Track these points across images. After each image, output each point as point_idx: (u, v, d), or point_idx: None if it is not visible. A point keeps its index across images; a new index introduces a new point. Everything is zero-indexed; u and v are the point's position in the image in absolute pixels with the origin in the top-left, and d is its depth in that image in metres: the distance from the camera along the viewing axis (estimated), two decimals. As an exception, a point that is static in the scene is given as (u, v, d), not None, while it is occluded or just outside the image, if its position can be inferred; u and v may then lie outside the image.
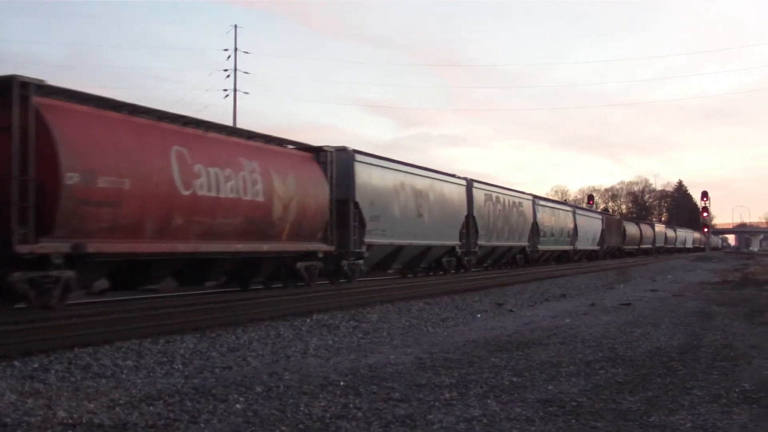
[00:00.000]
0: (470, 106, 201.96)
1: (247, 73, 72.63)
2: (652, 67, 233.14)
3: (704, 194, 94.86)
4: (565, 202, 58.83)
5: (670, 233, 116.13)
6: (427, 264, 33.69)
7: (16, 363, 10.17)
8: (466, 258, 36.36)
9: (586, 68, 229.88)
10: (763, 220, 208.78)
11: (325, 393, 8.34)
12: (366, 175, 26.87)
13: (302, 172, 22.56)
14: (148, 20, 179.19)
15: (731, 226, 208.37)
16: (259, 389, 8.50)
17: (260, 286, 22.82)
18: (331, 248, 24.08)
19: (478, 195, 38.01)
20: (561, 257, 56.52)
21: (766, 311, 17.71)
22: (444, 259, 34.44)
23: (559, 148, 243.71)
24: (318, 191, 23.17)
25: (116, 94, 18.35)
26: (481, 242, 37.74)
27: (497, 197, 41.01)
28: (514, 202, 43.71)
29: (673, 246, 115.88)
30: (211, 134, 19.26)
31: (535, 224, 47.53)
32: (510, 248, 43.68)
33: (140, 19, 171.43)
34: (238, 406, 7.69)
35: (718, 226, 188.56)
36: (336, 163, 24.78)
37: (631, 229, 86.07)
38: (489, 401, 7.98)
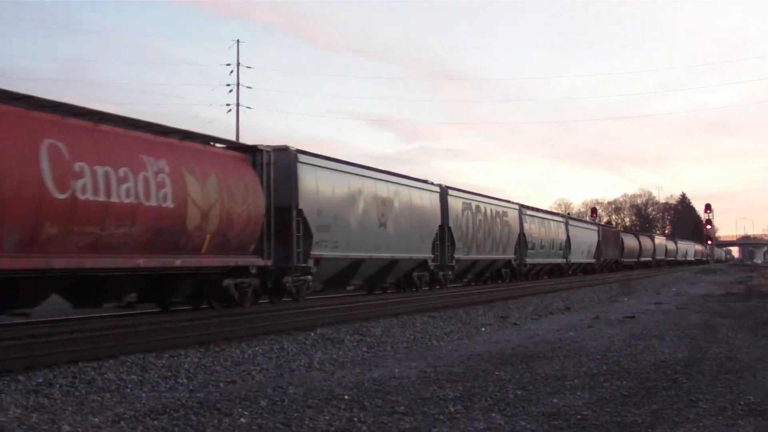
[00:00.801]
0: (471, 120, 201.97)
1: (249, 87, 72.68)
2: (652, 80, 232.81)
3: (707, 207, 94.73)
4: (557, 213, 56.36)
5: (671, 246, 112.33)
6: (395, 279, 30.57)
7: (20, 377, 10.17)
8: (441, 273, 33.27)
9: (585, 81, 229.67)
10: (767, 233, 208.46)
11: (330, 407, 8.34)
12: (312, 179, 23.45)
13: (229, 174, 19.17)
14: (149, 36, 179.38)
15: (735, 239, 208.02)
16: (263, 403, 8.50)
17: (186, 307, 20.16)
18: (268, 262, 20.79)
19: (455, 203, 34.81)
20: (553, 271, 53.70)
21: (771, 324, 17.68)
22: (415, 274, 31.09)
23: (561, 161, 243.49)
24: (249, 197, 19.75)
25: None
26: (458, 255, 34.51)
27: (477, 206, 37.72)
28: (497, 212, 40.51)
29: (674, 259, 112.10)
30: (104, 127, 15.99)
31: (522, 235, 44.36)
32: (493, 261, 40.32)
33: (141, 34, 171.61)
34: (242, 420, 7.68)
35: (721, 239, 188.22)
36: (276, 165, 21.52)
37: (630, 241, 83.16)
38: (494, 414, 7.97)
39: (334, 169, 25.23)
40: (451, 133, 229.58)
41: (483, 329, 17.86)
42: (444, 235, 33.29)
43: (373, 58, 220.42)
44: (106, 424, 7.44)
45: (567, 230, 55.50)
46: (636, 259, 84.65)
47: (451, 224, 33.89)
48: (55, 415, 7.90)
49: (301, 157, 23.11)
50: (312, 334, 15.85)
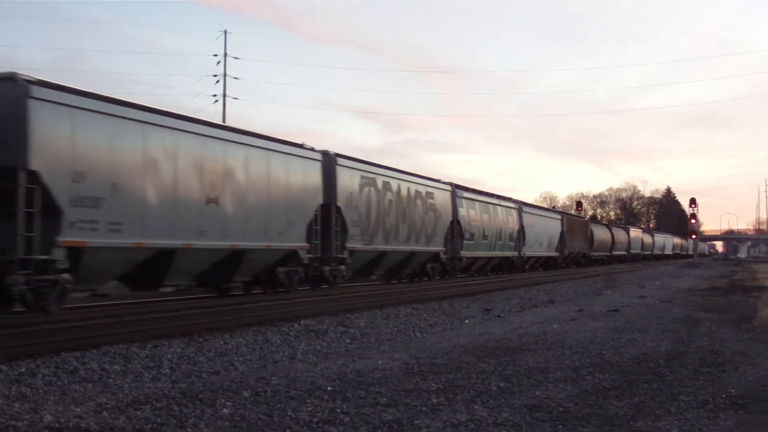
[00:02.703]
0: (458, 112, 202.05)
1: (236, 78, 72.39)
2: (638, 75, 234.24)
3: (692, 201, 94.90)
4: (507, 197, 48.34)
5: (647, 239, 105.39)
6: (249, 277, 23.09)
7: (2, 367, 10.12)
8: (326, 267, 25.88)
9: (573, 75, 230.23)
10: (751, 228, 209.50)
11: (313, 398, 8.34)
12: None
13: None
14: (136, 26, 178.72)
15: (719, 233, 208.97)
16: (246, 394, 8.49)
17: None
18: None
19: (348, 177, 27.39)
20: (502, 266, 46.64)
21: (754, 318, 17.78)
22: (280, 271, 23.59)
23: (547, 154, 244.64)
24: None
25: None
26: (352, 245, 27.16)
27: (387, 183, 30.25)
28: (418, 192, 33.10)
29: (650, 253, 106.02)
30: None
31: (456, 223, 37.15)
32: (412, 254, 32.62)
33: (128, 25, 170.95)
34: (225, 410, 7.67)
35: (706, 233, 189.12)
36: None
37: (601, 233, 76.37)
38: (476, 406, 7.98)
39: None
40: (438, 125, 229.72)
41: (467, 321, 17.88)
42: (330, 219, 25.99)
43: (360, 50, 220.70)
44: (88, 414, 7.42)
45: (520, 218, 48.52)
46: (608, 253, 78.61)
47: (341, 204, 26.68)
48: (38, 404, 7.88)
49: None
50: (296, 325, 15.83)
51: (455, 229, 37.09)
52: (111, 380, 9.58)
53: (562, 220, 60.46)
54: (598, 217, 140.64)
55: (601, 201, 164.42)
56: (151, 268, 18.70)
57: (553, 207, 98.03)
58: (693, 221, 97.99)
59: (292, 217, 23.72)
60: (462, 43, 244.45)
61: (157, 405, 7.88)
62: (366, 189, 28.44)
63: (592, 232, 71.44)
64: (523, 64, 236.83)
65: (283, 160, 23.60)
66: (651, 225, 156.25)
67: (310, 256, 24.59)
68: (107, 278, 18.48)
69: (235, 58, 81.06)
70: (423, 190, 33.72)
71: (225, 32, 72.03)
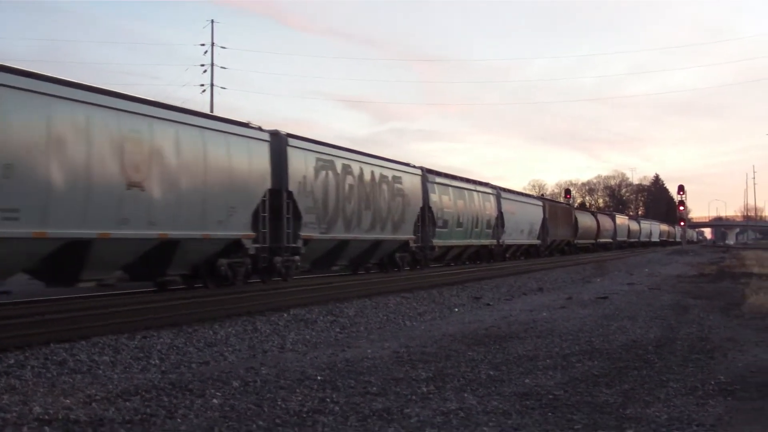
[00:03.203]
0: (445, 100, 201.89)
1: (224, 68, 72.25)
2: (626, 63, 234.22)
3: (680, 188, 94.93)
4: (484, 183, 45.54)
5: (634, 226, 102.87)
6: (187, 270, 20.53)
7: (-9, 359, 10.10)
8: (278, 258, 23.34)
9: (559, 63, 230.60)
10: (739, 214, 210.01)
11: (302, 387, 8.34)
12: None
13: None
14: (122, 16, 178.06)
15: (708, 220, 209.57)
16: (236, 384, 8.48)
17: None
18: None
19: (300, 159, 24.64)
20: (480, 255, 44.13)
21: (742, 304, 17.83)
22: (222, 263, 21.08)
23: (535, 142, 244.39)
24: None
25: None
26: (307, 233, 24.51)
27: (347, 166, 27.54)
28: (383, 176, 30.29)
29: (637, 240, 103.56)
30: None
31: (427, 209, 34.73)
32: (377, 243, 29.84)
33: (113, 15, 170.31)
34: (215, 401, 7.67)
35: (694, 220, 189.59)
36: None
37: (585, 220, 73.76)
38: (466, 395, 7.99)
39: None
40: (425, 114, 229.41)
41: (456, 310, 17.90)
42: (281, 205, 23.46)
43: (348, 40, 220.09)
44: (77, 406, 7.41)
45: (499, 204, 45.92)
46: (593, 241, 76.22)
47: (293, 189, 24.08)
48: (27, 396, 7.86)
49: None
50: (285, 315, 15.82)
51: (427, 216, 34.69)
52: (100, 371, 9.56)
53: (543, 206, 57.82)
54: (587, 204, 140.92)
55: (589, 189, 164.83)
56: (62, 260, 16.39)
57: (542, 195, 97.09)
58: (681, 208, 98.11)
59: (234, 204, 21.24)
60: (449, 31, 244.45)
61: (146, 396, 7.86)
62: (323, 173, 25.74)
63: (576, 219, 69.21)
64: (511, 52, 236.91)
65: (223, 140, 21.05)
66: (640, 212, 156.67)
67: (257, 245, 22.23)
68: (4, 273, 15.86)
69: (222, 47, 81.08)
70: (389, 174, 30.91)
71: (212, 21, 71.78)
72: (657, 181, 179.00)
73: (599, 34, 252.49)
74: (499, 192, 47.03)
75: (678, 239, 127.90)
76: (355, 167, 28.01)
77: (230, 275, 21.34)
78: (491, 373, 9.25)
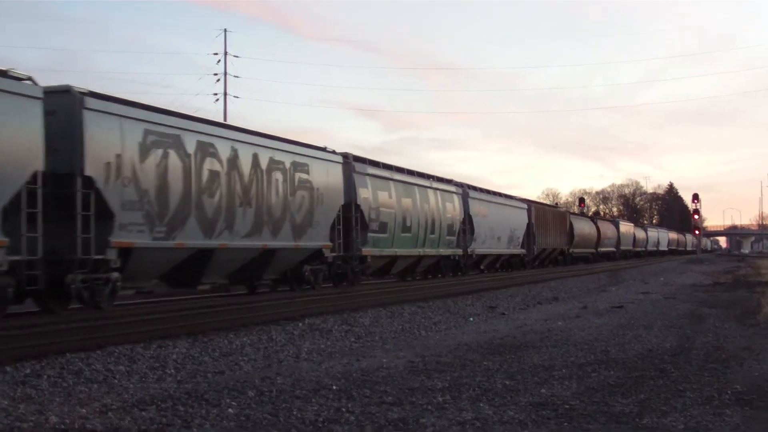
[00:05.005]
0: (457, 109, 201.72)
1: (236, 77, 72.27)
2: (637, 70, 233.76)
3: (695, 197, 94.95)
4: (445, 179, 36.26)
5: (640, 234, 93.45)
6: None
7: (8, 369, 10.13)
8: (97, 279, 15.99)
9: (571, 71, 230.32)
10: (754, 223, 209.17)
11: (318, 397, 8.34)
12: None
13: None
14: (135, 26, 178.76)
15: (722, 229, 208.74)
16: (251, 394, 8.49)
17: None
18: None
19: (115, 131, 16.67)
20: (440, 267, 34.69)
21: (758, 313, 17.75)
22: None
23: (548, 151, 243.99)
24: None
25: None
26: (123, 239, 16.52)
27: (207, 145, 19.40)
28: (276, 162, 22.36)
29: (644, 249, 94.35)
30: None
31: (354, 208, 26.18)
32: (267, 253, 21.82)
33: (126, 24, 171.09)
34: (230, 410, 7.68)
35: (709, 229, 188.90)
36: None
37: (583, 226, 64.42)
38: (482, 404, 7.98)
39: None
40: (437, 123, 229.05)
41: (471, 319, 17.88)
42: (87, 202, 15.87)
43: (359, 48, 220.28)
44: (93, 415, 7.43)
45: (465, 205, 36.85)
46: (593, 250, 67.34)
47: (92, 173, 15.93)
48: (43, 405, 7.89)
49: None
50: (300, 324, 15.84)
51: (354, 218, 26.21)
52: (116, 381, 9.59)
53: (529, 209, 48.17)
54: (601, 213, 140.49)
55: (603, 197, 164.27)
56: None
57: (556, 204, 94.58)
58: (696, 217, 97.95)
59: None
60: (460, 40, 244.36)
61: (162, 405, 7.88)
62: (156, 152, 17.72)
63: (571, 225, 59.80)
64: (522, 60, 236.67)
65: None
66: (654, 221, 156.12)
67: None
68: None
69: (235, 56, 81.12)
70: (287, 159, 22.92)
71: (225, 30, 71.59)
72: (671, 190, 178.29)
73: (611, 43, 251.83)
74: (467, 190, 38.05)
75: (690, 248, 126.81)
76: (223, 148, 20.08)
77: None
78: (507, 382, 9.24)
